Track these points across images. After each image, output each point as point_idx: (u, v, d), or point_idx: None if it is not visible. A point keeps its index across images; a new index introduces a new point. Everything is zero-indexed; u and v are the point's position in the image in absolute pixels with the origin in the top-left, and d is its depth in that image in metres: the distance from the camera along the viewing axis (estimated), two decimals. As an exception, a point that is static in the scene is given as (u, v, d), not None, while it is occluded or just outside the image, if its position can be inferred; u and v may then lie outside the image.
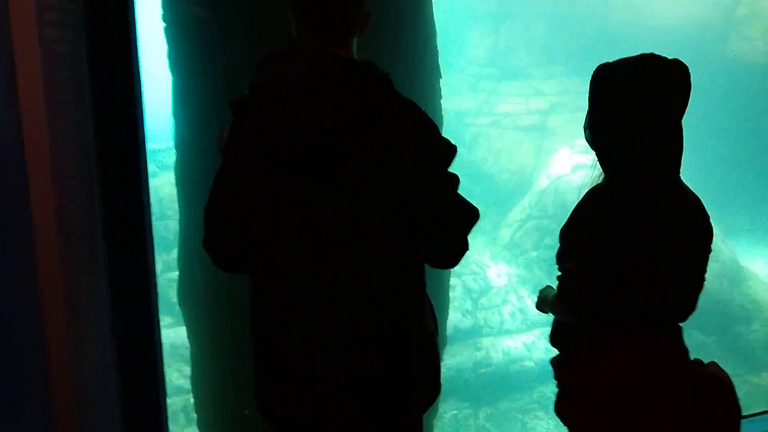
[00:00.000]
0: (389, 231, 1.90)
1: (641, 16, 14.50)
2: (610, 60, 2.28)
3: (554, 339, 2.41)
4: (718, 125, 13.29)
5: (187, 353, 5.58)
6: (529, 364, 10.53)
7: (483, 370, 10.38)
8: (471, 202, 2.01)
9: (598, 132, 2.24)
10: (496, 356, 10.53)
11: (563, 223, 2.32)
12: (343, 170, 1.86)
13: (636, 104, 2.16)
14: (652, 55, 2.21)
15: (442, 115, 5.48)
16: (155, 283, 3.07)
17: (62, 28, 2.18)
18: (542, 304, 2.51)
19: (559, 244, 2.32)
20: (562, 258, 2.28)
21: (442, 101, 5.53)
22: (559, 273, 2.31)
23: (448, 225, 1.96)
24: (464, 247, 2.03)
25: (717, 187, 11.88)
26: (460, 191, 2.02)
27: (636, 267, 2.17)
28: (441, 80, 5.40)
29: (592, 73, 2.28)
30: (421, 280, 2.04)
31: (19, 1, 1.79)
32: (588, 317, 2.29)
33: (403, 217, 1.90)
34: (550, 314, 2.52)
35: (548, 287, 2.50)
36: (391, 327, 1.95)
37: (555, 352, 2.44)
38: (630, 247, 2.17)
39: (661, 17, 14.40)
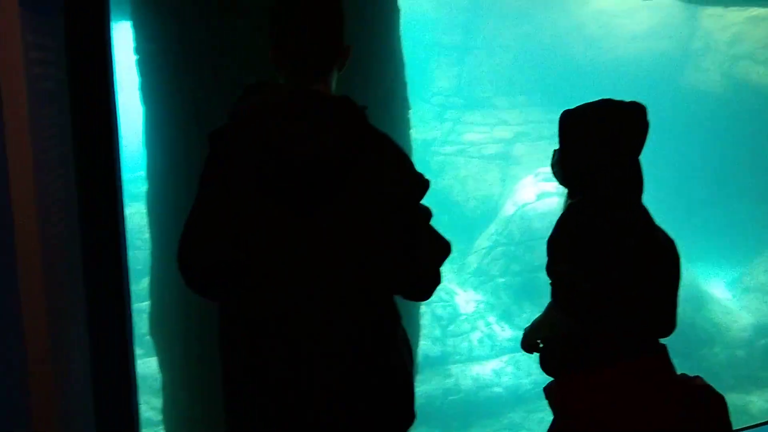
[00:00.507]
0: (362, 263, 1.90)
1: (601, 49, 14.88)
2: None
3: (545, 364, 2.48)
4: (676, 153, 13.62)
5: (156, 385, 5.53)
6: (498, 390, 10.57)
7: (453, 398, 10.39)
8: (442, 235, 2.02)
9: (567, 169, 2.45)
10: (466, 383, 10.55)
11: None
12: (320, 202, 1.89)
13: (597, 144, 2.37)
14: (611, 100, 2.44)
15: (411, 146, 5.58)
16: (130, 315, 3.08)
17: (46, 65, 2.22)
18: (532, 334, 2.55)
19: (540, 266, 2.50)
20: (552, 261, 2.39)
21: (414, 131, 5.64)
22: (551, 280, 2.41)
23: (420, 259, 1.96)
24: (436, 281, 2.04)
25: (676, 213, 12.16)
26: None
27: (617, 278, 2.28)
28: (410, 110, 5.51)
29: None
30: (393, 312, 2.03)
31: (6, 40, 1.83)
32: (585, 319, 2.35)
33: (376, 250, 1.90)
34: (526, 346, 2.60)
35: (534, 321, 2.56)
36: (360, 357, 1.94)
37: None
38: (610, 257, 2.28)
39: (620, 50, 14.78)
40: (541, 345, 2.53)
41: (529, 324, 2.61)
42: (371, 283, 1.94)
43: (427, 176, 2.03)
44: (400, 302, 2.13)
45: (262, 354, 1.98)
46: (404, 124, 5.44)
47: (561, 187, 2.57)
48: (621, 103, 2.43)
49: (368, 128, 1.97)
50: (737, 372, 10.25)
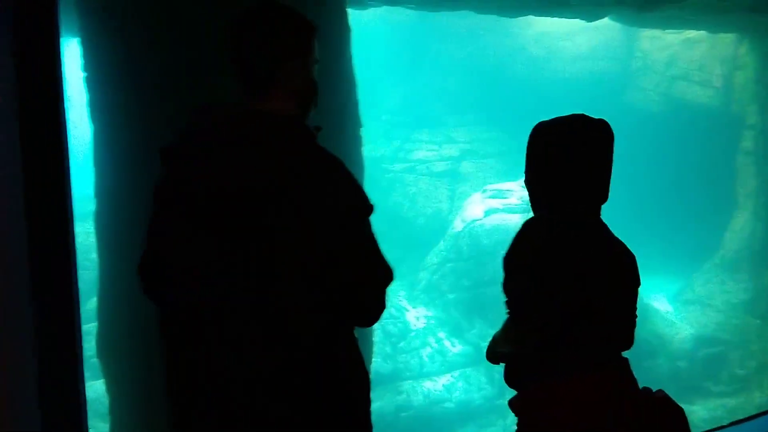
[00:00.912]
0: (302, 289, 1.87)
1: (545, 69, 15.26)
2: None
3: (508, 378, 2.47)
4: (616, 170, 13.96)
5: (103, 408, 5.40)
6: (449, 405, 10.61)
7: (404, 414, 10.38)
8: (386, 260, 1.99)
9: (530, 184, 2.46)
10: (417, 399, 10.57)
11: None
12: (255, 225, 1.86)
13: (558, 159, 2.40)
14: (575, 115, 2.46)
15: (363, 163, 5.62)
16: (80, 337, 3.03)
17: (-4, 81, 2.19)
18: (495, 348, 2.54)
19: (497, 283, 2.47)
20: (507, 283, 2.42)
21: (364, 149, 5.68)
22: (507, 298, 2.44)
23: (363, 284, 1.93)
24: (379, 307, 2.01)
25: (618, 228, 12.44)
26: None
27: (576, 293, 2.30)
28: (361, 128, 5.56)
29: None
30: (336, 336, 1.98)
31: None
32: (543, 335, 2.36)
33: (318, 276, 1.87)
34: (483, 357, 2.61)
35: (496, 333, 2.57)
36: (302, 380, 1.91)
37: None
38: (568, 272, 2.31)
39: (563, 71, 15.18)
40: (502, 358, 2.53)
41: (492, 338, 2.63)
42: (313, 308, 1.91)
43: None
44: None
45: (200, 393, 1.97)
46: (356, 142, 5.49)
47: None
48: (584, 118, 2.45)
49: (310, 151, 1.91)
50: (679, 383, 10.52)
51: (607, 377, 2.33)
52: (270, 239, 1.85)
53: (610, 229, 2.51)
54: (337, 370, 1.97)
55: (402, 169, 14.88)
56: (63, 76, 2.96)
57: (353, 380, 2.05)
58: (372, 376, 7.84)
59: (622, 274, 2.39)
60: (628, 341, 2.44)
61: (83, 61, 4.93)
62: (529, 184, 2.48)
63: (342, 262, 1.88)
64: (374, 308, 2.00)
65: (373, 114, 14.65)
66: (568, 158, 2.39)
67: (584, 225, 2.40)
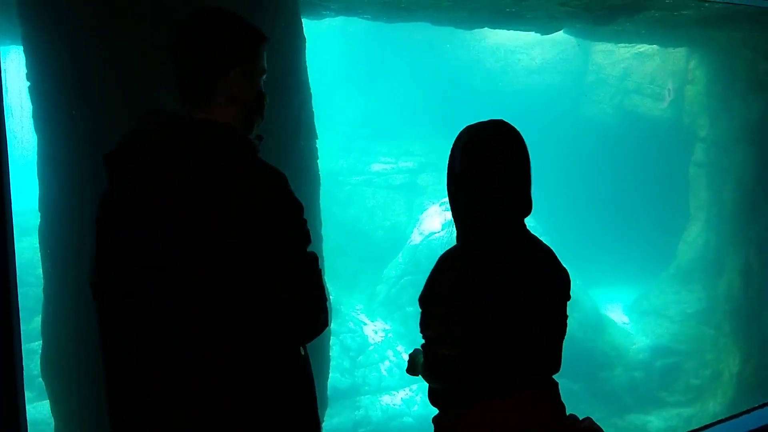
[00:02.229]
0: (224, 301, 1.81)
1: (501, 82, 15.40)
2: (473, 122, 2.39)
3: (432, 398, 2.39)
4: (573, 182, 14.16)
5: (49, 430, 5.21)
6: (408, 420, 10.54)
7: (363, 430, 10.27)
8: (317, 278, 1.88)
9: (450, 192, 2.35)
10: (376, 414, 10.47)
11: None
12: (182, 237, 1.80)
13: (468, 165, 2.28)
14: (475, 123, 2.33)
15: (319, 175, 5.55)
16: (20, 356, 2.88)
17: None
18: (412, 369, 2.50)
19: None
20: (423, 325, 2.30)
21: (321, 161, 5.61)
22: (423, 341, 2.34)
23: (288, 304, 1.82)
24: (310, 330, 1.89)
25: (573, 241, 12.59)
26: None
27: (494, 324, 2.20)
28: (317, 141, 5.49)
29: (456, 133, 2.39)
30: (264, 353, 1.89)
31: None
32: (455, 382, 2.29)
33: (240, 290, 1.80)
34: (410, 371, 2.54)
35: (417, 350, 2.50)
36: (231, 399, 1.85)
37: (431, 409, 2.42)
38: (485, 306, 2.20)
39: (518, 84, 15.35)
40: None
41: (410, 355, 2.54)
42: (238, 323, 1.83)
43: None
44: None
45: (132, 394, 1.93)
46: (311, 155, 5.42)
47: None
48: (481, 123, 2.32)
49: (241, 160, 1.85)
50: (636, 393, 10.63)
51: (528, 401, 2.24)
52: (193, 252, 1.79)
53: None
54: (269, 384, 1.91)
55: (360, 181, 14.82)
56: (2, 84, 2.84)
57: (290, 396, 1.97)
58: (329, 392, 7.75)
59: (549, 293, 2.29)
60: (556, 363, 2.34)
61: (27, 70, 4.76)
62: (450, 198, 2.37)
63: (266, 280, 1.80)
64: (302, 328, 1.88)
65: (331, 126, 14.61)
66: (483, 166, 2.26)
67: (502, 244, 2.27)
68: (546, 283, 2.29)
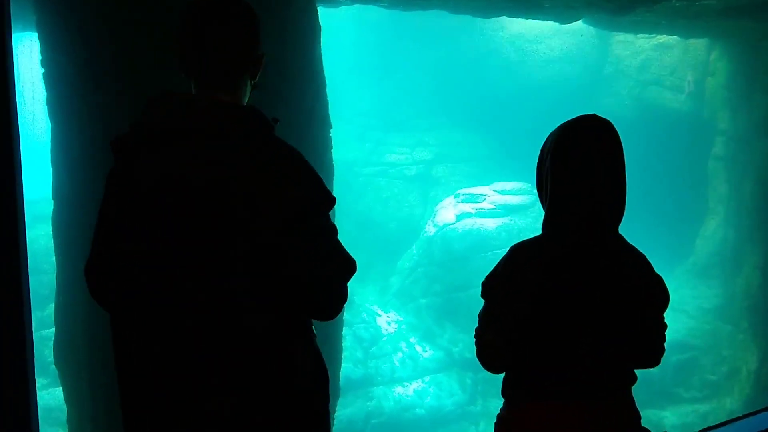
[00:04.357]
0: (256, 284, 1.83)
1: (516, 74, 15.22)
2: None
3: (504, 386, 2.38)
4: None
5: (63, 416, 5.23)
6: (420, 411, 10.51)
7: (375, 420, 10.26)
8: (347, 252, 1.96)
9: (540, 190, 2.34)
10: (388, 405, 10.45)
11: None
12: (210, 219, 1.81)
13: (548, 155, 2.27)
14: (578, 118, 2.28)
15: (333, 165, 5.51)
16: (31, 342, 2.87)
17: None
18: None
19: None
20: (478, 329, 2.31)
21: (335, 151, 5.58)
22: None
23: (323, 276, 1.88)
24: (340, 299, 1.95)
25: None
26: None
27: (536, 317, 2.20)
28: (331, 130, 5.45)
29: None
30: (300, 332, 1.94)
31: None
32: (494, 370, 2.30)
33: (272, 269, 1.82)
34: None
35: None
36: (257, 383, 1.87)
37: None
38: (526, 298, 2.19)
39: (536, 74, 15.17)
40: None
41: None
42: (271, 302, 1.86)
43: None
44: (319, 324, 2.07)
45: (151, 383, 1.92)
46: (326, 144, 5.37)
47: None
48: (578, 117, 2.28)
49: (268, 142, 1.88)
50: (651, 388, 10.52)
51: (603, 409, 2.21)
52: (224, 233, 1.81)
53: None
54: (293, 364, 1.93)
55: (374, 172, 14.76)
56: (14, 71, 2.81)
57: (309, 375, 1.98)
58: (342, 382, 7.76)
59: (624, 302, 2.24)
60: (623, 375, 2.29)
61: (42, 57, 4.75)
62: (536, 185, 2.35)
63: (297, 255, 1.83)
64: (334, 299, 1.94)
65: (346, 116, 14.56)
66: (557, 159, 2.24)
67: (570, 242, 2.24)
68: (623, 292, 2.23)
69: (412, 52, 15.23)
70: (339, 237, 1.95)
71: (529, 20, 10.59)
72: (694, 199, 12.33)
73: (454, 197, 13.09)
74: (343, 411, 9.86)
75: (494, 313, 2.28)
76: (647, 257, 2.40)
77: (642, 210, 14.17)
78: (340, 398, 10.01)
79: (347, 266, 1.95)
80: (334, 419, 9.38)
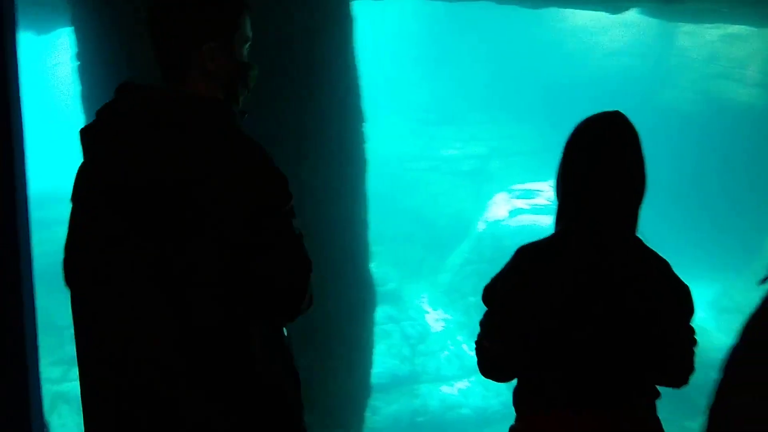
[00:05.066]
0: (204, 281, 1.77)
1: (577, 67, 14.84)
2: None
3: (515, 397, 2.30)
4: (651, 171, 13.56)
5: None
6: (465, 411, 10.37)
7: (420, 419, 10.17)
8: (303, 252, 1.85)
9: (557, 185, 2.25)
10: (433, 403, 10.36)
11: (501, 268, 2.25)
12: (160, 214, 1.77)
13: (562, 154, 2.19)
14: (597, 114, 2.19)
15: (366, 159, 5.42)
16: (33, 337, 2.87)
17: None
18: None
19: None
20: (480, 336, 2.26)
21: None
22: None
23: (275, 277, 1.79)
24: (299, 300, 1.85)
25: (652, 233, 12.07)
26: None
27: (535, 322, 2.11)
28: (364, 124, 5.35)
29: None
30: (246, 330, 1.86)
31: None
32: (492, 377, 2.25)
33: (228, 266, 1.76)
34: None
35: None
36: (212, 373, 1.82)
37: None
38: (527, 304, 2.11)
39: (596, 67, 14.77)
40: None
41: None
42: (224, 300, 1.80)
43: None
44: (348, 321, 2.01)
45: (100, 379, 1.90)
46: (358, 138, 5.28)
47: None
48: (599, 115, 2.19)
49: (222, 137, 1.80)
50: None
51: (615, 418, 2.09)
52: (174, 229, 1.76)
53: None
54: (249, 364, 1.86)
55: (426, 167, 14.63)
56: (17, 69, 2.81)
57: (267, 376, 1.90)
58: (388, 378, 7.77)
59: (638, 311, 2.11)
60: (636, 387, 2.15)
61: (77, 50, 4.82)
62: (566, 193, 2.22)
63: (251, 253, 1.77)
64: (291, 302, 1.85)
65: (399, 110, 14.50)
66: (566, 158, 2.17)
67: (573, 244, 2.15)
68: (636, 299, 2.10)
69: (469, 44, 15.06)
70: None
71: (590, 11, 10.28)
72: (763, 197, 11.81)
73: (508, 193, 12.87)
74: (388, 408, 9.83)
75: (495, 320, 2.20)
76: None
77: (706, 209, 13.66)
78: (385, 394, 9.98)
79: (303, 266, 1.84)
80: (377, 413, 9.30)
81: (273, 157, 1.84)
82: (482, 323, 2.25)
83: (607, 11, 9.26)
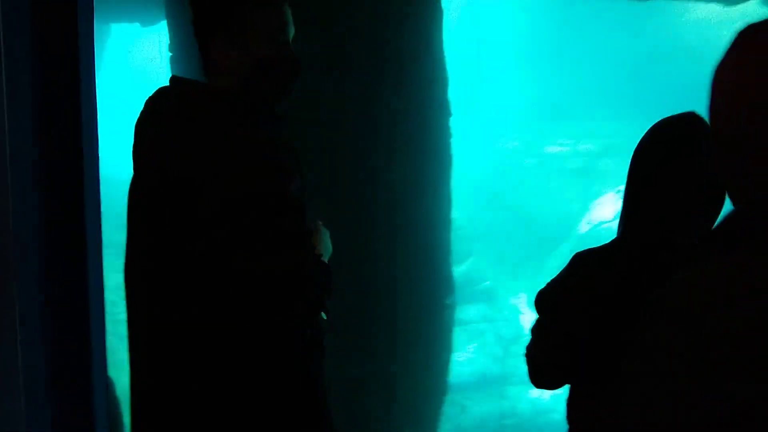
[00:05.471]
0: (192, 276, 1.77)
1: (697, 62, 14.02)
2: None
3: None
4: None
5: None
6: (556, 417, 10.02)
7: (508, 421, 9.94)
8: (294, 254, 1.74)
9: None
10: (523, 407, 10.10)
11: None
12: (153, 206, 1.83)
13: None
14: (673, 115, 2.02)
15: (451, 155, 5.30)
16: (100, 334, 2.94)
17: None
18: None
19: None
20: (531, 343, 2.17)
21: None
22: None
23: (254, 275, 1.72)
24: (281, 302, 1.77)
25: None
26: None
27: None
28: (450, 118, 5.24)
29: (647, 115, 2.17)
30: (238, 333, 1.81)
31: None
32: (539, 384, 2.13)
33: (207, 262, 1.74)
34: None
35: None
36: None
37: None
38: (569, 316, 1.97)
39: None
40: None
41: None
42: (194, 296, 1.79)
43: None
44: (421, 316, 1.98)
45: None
46: (443, 133, 5.16)
47: None
48: (670, 117, 2.02)
49: (219, 132, 1.77)
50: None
51: None
52: (168, 223, 1.79)
53: None
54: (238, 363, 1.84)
55: (533, 164, 14.24)
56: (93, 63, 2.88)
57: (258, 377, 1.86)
58: (477, 377, 7.67)
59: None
60: None
61: (169, 42, 4.97)
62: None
63: (235, 250, 1.73)
64: (270, 303, 1.77)
65: (508, 104, 14.21)
66: (633, 161, 2.01)
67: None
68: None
69: (582, 39, 14.55)
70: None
71: (705, 3, 9.67)
72: None
73: (616, 193, 12.33)
74: (476, 407, 9.69)
75: (546, 329, 2.08)
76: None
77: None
78: (474, 393, 9.82)
79: (290, 266, 1.75)
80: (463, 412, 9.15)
81: (280, 154, 1.80)
82: (533, 330, 2.15)
83: (719, 3, 8.66)
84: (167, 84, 1.92)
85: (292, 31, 1.98)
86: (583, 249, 2.15)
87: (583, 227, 12.13)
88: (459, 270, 11.10)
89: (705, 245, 1.11)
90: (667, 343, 0.93)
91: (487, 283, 10.93)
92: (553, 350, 2.04)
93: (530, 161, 14.27)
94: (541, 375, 2.12)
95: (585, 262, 2.05)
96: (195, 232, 1.74)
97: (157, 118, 1.85)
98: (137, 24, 6.87)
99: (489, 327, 10.41)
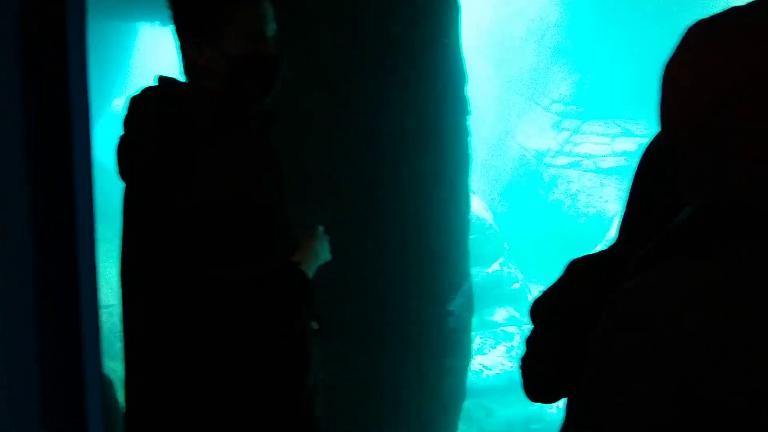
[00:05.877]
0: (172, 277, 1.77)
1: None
2: None
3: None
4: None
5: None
6: (584, 423, 9.85)
7: (534, 426, 9.78)
8: (265, 263, 1.73)
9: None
10: (550, 411, 9.93)
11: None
12: (135, 207, 1.85)
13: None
14: None
15: (469, 155, 5.19)
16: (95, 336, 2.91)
17: None
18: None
19: None
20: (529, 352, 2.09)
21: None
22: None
23: (225, 277, 1.72)
24: (251, 307, 1.77)
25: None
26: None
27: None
28: (468, 116, 5.12)
29: None
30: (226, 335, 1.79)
31: None
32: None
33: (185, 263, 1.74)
34: None
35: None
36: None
37: None
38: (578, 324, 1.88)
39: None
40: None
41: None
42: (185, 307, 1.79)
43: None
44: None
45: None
46: (460, 131, 5.05)
47: None
48: None
49: (184, 132, 1.77)
50: None
51: None
52: (147, 223, 1.81)
53: None
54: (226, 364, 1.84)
55: (566, 163, 13.95)
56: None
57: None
58: (505, 381, 7.63)
59: None
60: None
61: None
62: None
63: (206, 254, 1.74)
64: (241, 312, 1.76)
65: (541, 103, 13.96)
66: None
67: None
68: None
69: (620, 34, 14.20)
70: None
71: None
72: None
73: (653, 195, 12.00)
74: (503, 411, 9.55)
75: (541, 340, 1.98)
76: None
77: None
78: (501, 396, 9.66)
79: (254, 274, 1.73)
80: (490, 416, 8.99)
81: (263, 159, 1.79)
82: (528, 341, 2.05)
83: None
84: (154, 84, 1.91)
85: (272, 27, 1.94)
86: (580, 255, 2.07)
87: (614, 229, 11.86)
88: (487, 271, 10.90)
89: (657, 248, 1.08)
90: (624, 348, 0.96)
91: (517, 285, 10.73)
92: (547, 361, 1.96)
93: (564, 160, 14.02)
94: (537, 387, 2.03)
95: (581, 269, 1.95)
96: (172, 235, 1.73)
97: (141, 119, 1.86)
98: (157, 23, 6.91)
99: (517, 329, 10.22)
